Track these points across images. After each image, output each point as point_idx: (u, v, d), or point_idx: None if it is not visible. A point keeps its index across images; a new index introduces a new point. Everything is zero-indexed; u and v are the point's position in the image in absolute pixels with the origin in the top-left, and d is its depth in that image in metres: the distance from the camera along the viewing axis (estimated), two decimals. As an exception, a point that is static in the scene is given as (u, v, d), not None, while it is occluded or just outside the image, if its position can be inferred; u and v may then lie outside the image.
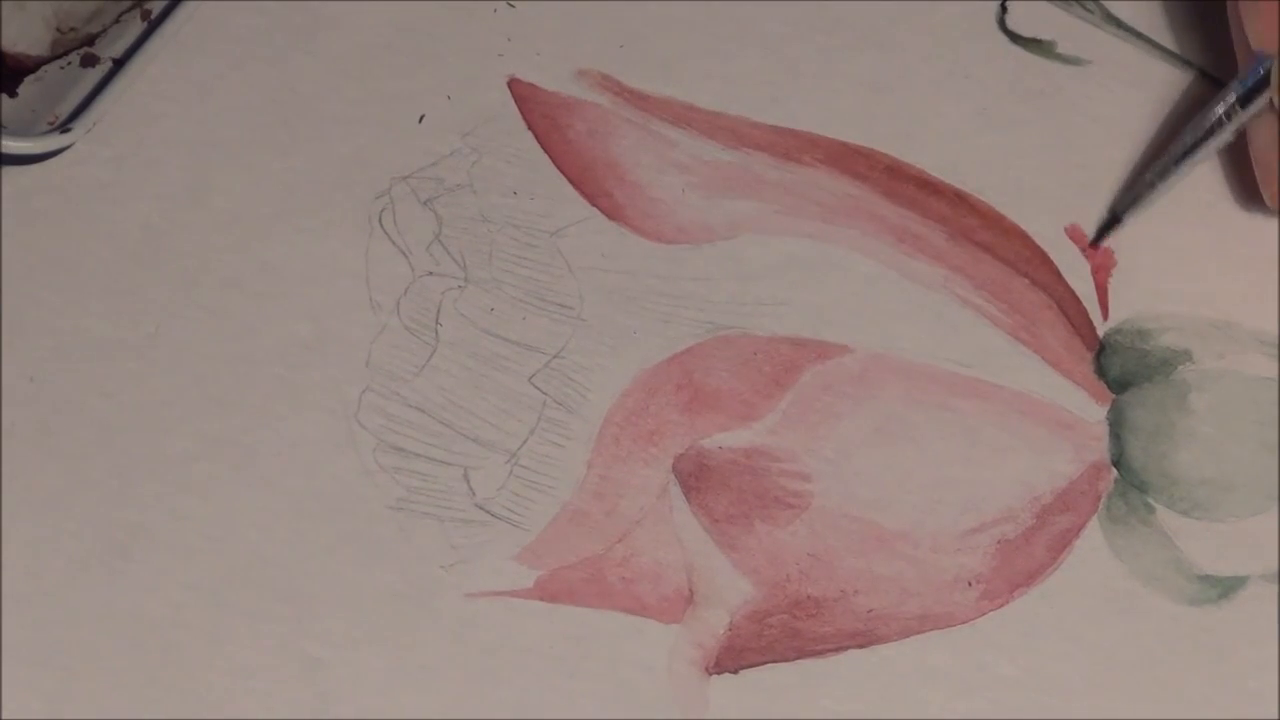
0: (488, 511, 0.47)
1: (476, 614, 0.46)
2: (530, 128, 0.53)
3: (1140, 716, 0.46)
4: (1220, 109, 0.51)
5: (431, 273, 0.50)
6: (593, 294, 0.50)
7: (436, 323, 0.49)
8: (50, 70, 0.51)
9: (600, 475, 0.48)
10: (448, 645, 0.45)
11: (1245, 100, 0.51)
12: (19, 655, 0.44)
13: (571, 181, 0.52)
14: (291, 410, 0.48)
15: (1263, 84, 0.51)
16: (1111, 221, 0.53)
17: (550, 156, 0.52)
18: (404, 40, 0.53)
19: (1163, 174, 0.52)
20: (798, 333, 0.50)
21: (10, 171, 0.50)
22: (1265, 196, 0.52)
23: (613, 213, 0.52)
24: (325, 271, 0.50)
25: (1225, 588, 0.48)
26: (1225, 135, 0.51)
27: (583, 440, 0.48)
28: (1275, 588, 0.48)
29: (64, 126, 0.50)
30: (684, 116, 0.53)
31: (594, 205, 0.52)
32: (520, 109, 0.53)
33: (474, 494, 0.47)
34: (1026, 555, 0.48)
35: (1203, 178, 0.54)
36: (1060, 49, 0.55)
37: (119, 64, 0.51)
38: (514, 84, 0.53)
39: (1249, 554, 0.49)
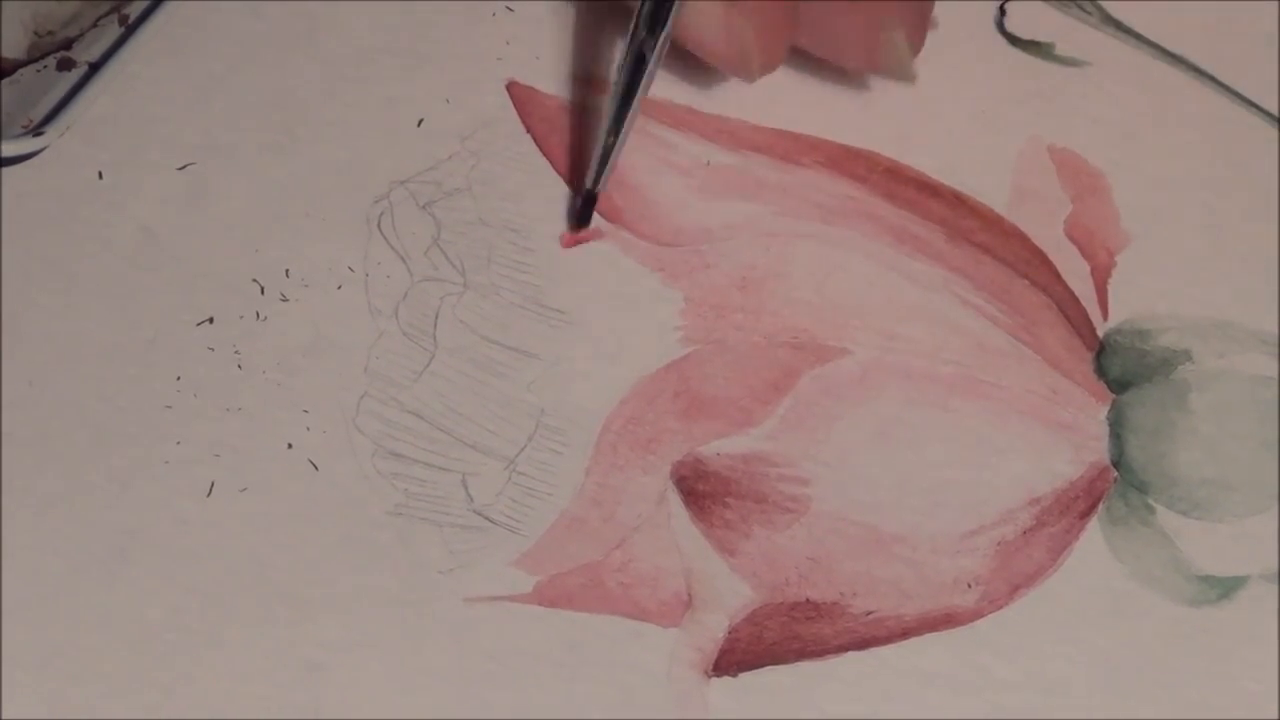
0: (486, 518, 0.47)
1: (475, 619, 0.46)
2: (529, 131, 0.53)
3: (1140, 717, 0.46)
4: (638, 41, 0.49)
5: (430, 278, 0.50)
6: (591, 299, 0.50)
7: (435, 328, 0.49)
8: (26, 74, 0.51)
9: (598, 482, 0.48)
10: (447, 650, 0.45)
11: (652, 24, 0.49)
12: (19, 658, 0.44)
13: (570, 185, 0.52)
14: (289, 415, 0.48)
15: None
16: (589, 200, 0.51)
17: (549, 160, 0.52)
18: (403, 43, 0.53)
19: (614, 131, 0.50)
20: (796, 336, 0.50)
21: (8, 175, 0.50)
22: (743, 72, 0.51)
23: (611, 216, 0.52)
24: (323, 276, 0.50)
25: (1225, 588, 0.48)
26: (655, 64, 0.50)
27: (581, 447, 0.48)
28: (1275, 588, 0.48)
29: (37, 130, 0.49)
30: (683, 120, 0.53)
31: (592, 208, 0.52)
32: (519, 112, 0.53)
33: (472, 500, 0.47)
34: (1026, 556, 0.48)
35: (1202, 177, 0.54)
36: (1059, 51, 0.55)
37: (94, 68, 0.51)
38: (513, 87, 0.53)
39: (1249, 554, 0.49)
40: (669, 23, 0.49)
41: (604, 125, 0.50)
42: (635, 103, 0.50)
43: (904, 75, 0.52)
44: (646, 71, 0.50)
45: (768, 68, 0.51)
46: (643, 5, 0.49)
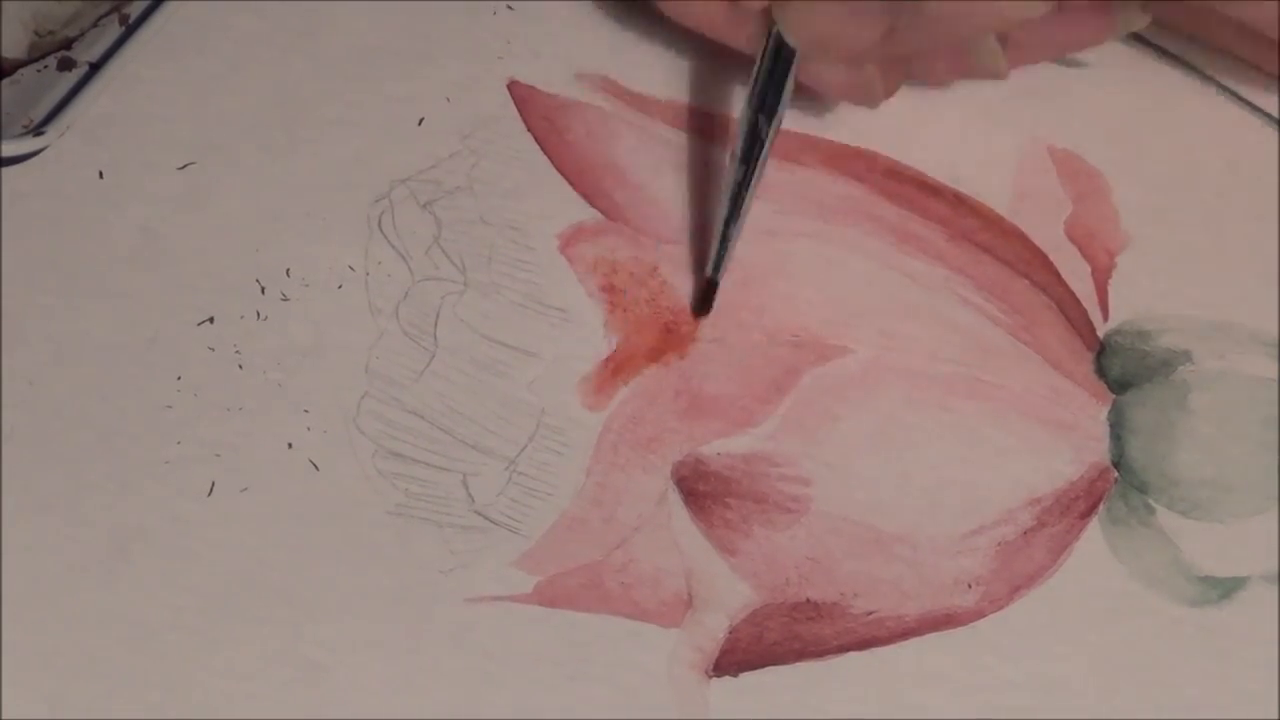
0: (486, 518, 0.47)
1: (476, 619, 0.46)
2: (530, 130, 0.53)
3: (1140, 717, 0.46)
4: (760, 126, 0.49)
5: (431, 277, 0.50)
6: (591, 298, 0.50)
7: (435, 328, 0.49)
8: (26, 73, 0.51)
9: (599, 483, 0.48)
10: (447, 650, 0.45)
11: (771, 108, 0.49)
12: (19, 657, 0.44)
13: (571, 183, 0.52)
14: (290, 415, 0.48)
15: (782, 70, 0.49)
16: (711, 288, 0.50)
17: (550, 159, 0.52)
18: (403, 42, 0.53)
19: (734, 216, 0.50)
20: (797, 335, 0.50)
21: (9, 175, 0.50)
22: (867, 101, 0.51)
23: (612, 214, 0.52)
24: (324, 276, 0.50)
25: (1225, 588, 0.48)
26: (769, 145, 0.50)
27: (581, 447, 0.48)
28: (1275, 588, 0.48)
29: (38, 129, 0.49)
30: (684, 118, 0.53)
31: (594, 207, 0.52)
32: (520, 111, 0.53)
33: (473, 500, 0.47)
34: (1026, 557, 0.48)
35: (1202, 177, 0.54)
36: (1060, 50, 0.55)
37: (95, 68, 0.50)
38: (513, 86, 0.53)
39: (1249, 554, 0.49)
40: (783, 104, 0.49)
41: (721, 212, 0.50)
42: (753, 188, 0.49)
43: (998, 74, 0.52)
44: (762, 155, 0.49)
45: (890, 94, 0.51)
46: (755, 85, 0.49)
